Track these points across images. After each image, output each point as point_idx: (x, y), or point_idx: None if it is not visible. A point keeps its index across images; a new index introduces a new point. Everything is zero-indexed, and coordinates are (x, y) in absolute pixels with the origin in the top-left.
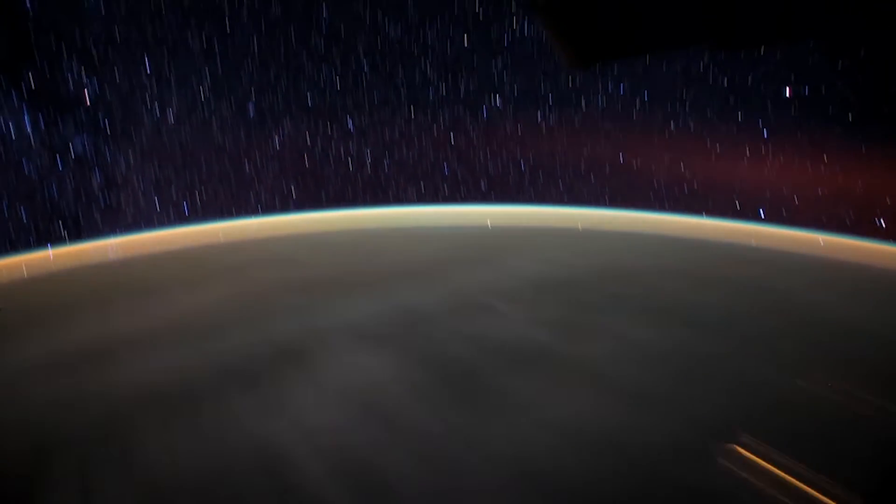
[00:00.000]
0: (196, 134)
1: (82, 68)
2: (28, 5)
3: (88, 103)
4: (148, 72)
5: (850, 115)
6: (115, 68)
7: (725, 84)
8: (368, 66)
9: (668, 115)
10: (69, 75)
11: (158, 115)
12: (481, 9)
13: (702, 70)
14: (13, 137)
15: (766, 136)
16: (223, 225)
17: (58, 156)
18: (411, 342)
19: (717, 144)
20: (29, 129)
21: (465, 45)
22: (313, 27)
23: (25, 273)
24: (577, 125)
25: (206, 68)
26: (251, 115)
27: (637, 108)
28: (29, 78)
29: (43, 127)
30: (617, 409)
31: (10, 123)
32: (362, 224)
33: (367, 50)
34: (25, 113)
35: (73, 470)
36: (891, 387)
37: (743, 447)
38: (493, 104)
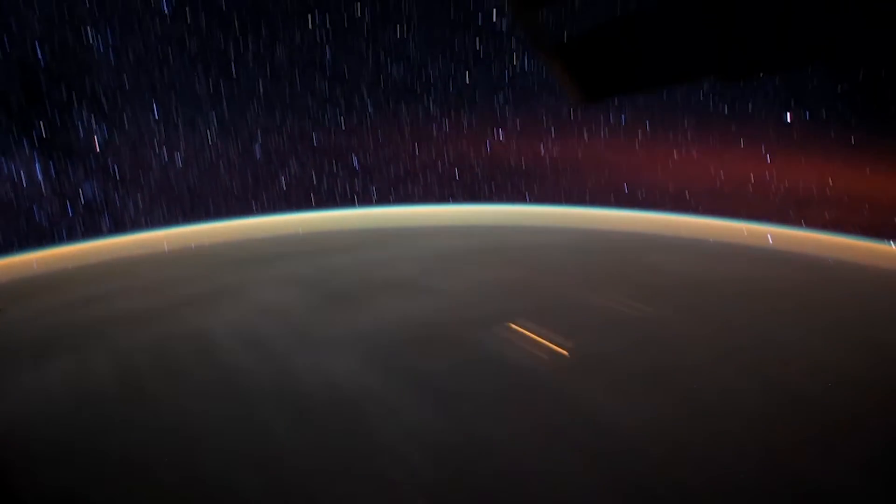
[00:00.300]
0: (204, 176)
1: (92, 116)
2: (40, 55)
3: (98, 149)
4: (156, 117)
5: (852, 137)
6: (125, 115)
7: (726, 111)
8: (372, 105)
9: (671, 143)
10: (79, 123)
11: (167, 159)
12: (482, 46)
13: (702, 98)
14: (24, 185)
15: (769, 160)
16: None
17: (68, 202)
18: (316, 282)
19: (721, 171)
20: (40, 177)
21: (467, 81)
22: (317, 69)
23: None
24: (579, 156)
25: (213, 112)
26: (258, 156)
27: (640, 137)
28: (40, 126)
29: (53, 174)
30: (440, 309)
31: (22, 171)
32: (343, 223)
33: (370, 90)
34: (37, 161)
35: (68, 348)
36: (659, 299)
37: (517, 325)
38: (496, 138)
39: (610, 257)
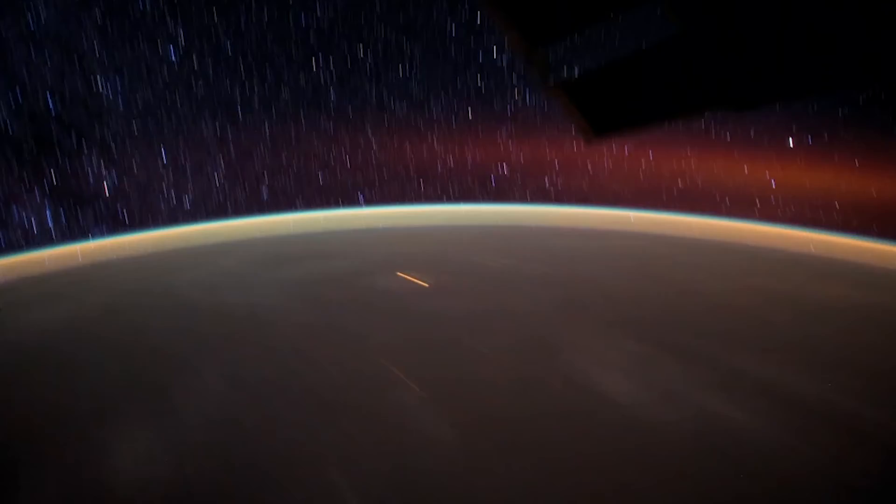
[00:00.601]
0: (211, 219)
1: (101, 162)
2: (51, 105)
3: (108, 194)
4: (164, 162)
5: (856, 160)
6: (133, 160)
7: (728, 138)
8: (377, 143)
9: (675, 171)
10: (89, 169)
11: (175, 202)
12: (483, 83)
13: (703, 126)
14: (35, 232)
15: (773, 185)
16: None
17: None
18: (265, 258)
19: (727, 197)
20: (51, 224)
21: (470, 117)
22: (322, 110)
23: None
24: (584, 188)
25: (220, 156)
26: (265, 197)
27: (643, 167)
28: (51, 174)
29: (64, 221)
30: (347, 266)
31: (33, 219)
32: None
33: (374, 129)
34: (48, 208)
35: (68, 298)
36: (526, 259)
37: (402, 273)
38: (500, 172)
39: (514, 238)
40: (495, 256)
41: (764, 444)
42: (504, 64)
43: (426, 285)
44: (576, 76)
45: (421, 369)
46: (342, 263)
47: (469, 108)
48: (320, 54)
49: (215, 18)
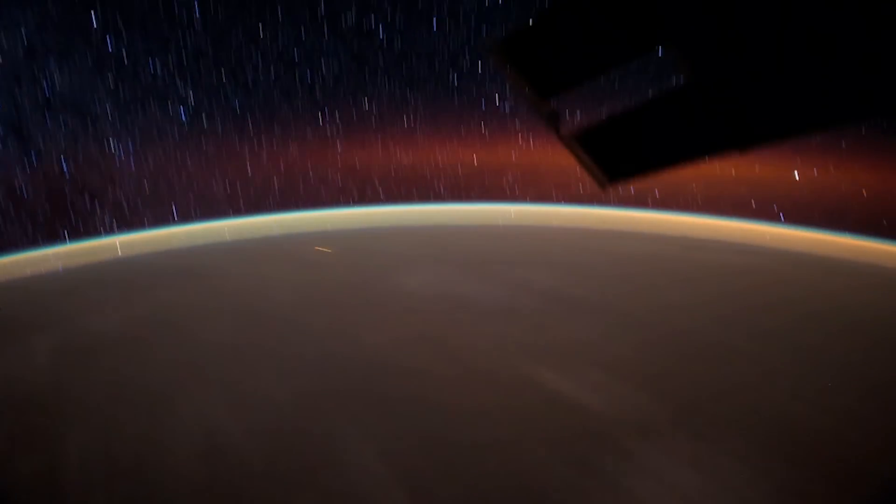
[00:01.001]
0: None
1: (114, 221)
2: (65, 168)
3: (120, 254)
4: (175, 219)
5: (863, 191)
6: (145, 219)
7: (733, 173)
8: (384, 194)
9: (680, 206)
10: (101, 229)
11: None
12: (487, 131)
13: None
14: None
15: (782, 219)
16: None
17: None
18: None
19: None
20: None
21: (475, 164)
22: (329, 164)
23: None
24: (590, 228)
25: (231, 209)
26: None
27: (649, 203)
28: (64, 235)
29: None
30: (284, 241)
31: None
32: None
33: (382, 181)
34: (61, 268)
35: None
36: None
37: (318, 246)
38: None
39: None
40: (404, 238)
41: (491, 302)
42: (507, 111)
43: (329, 251)
44: (587, 125)
45: (297, 280)
46: (288, 243)
47: (474, 155)
48: (325, 108)
49: (223, 78)
